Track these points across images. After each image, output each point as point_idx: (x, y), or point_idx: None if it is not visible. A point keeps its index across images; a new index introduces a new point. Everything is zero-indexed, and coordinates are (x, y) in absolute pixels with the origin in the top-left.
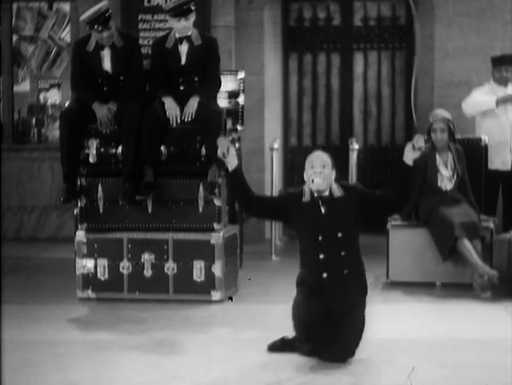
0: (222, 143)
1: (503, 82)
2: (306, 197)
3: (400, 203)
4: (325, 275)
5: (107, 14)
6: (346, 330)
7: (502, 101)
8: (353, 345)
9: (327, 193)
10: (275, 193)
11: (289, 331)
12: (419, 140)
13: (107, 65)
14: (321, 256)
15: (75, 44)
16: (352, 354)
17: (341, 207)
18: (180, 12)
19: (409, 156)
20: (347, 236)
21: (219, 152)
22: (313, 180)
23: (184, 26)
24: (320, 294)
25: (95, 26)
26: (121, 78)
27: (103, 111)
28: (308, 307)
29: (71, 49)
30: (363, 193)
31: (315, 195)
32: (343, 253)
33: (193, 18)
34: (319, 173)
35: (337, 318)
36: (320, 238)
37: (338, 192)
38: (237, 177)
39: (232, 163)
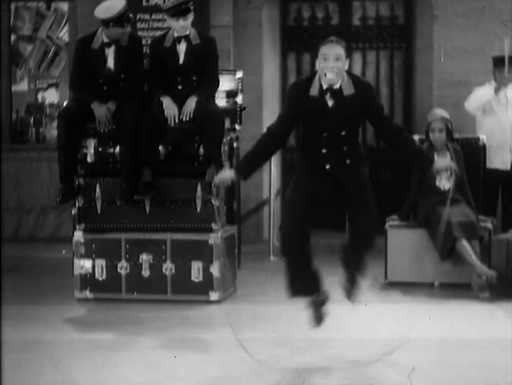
0: (216, 184)
1: (505, 82)
2: (314, 90)
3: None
4: (328, 166)
5: (126, 15)
6: (360, 208)
7: (497, 89)
8: (374, 220)
9: (337, 86)
10: (273, 194)
11: (287, 331)
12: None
13: (110, 63)
14: (323, 150)
15: (79, 41)
16: (373, 228)
17: (348, 105)
18: (178, 11)
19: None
20: (350, 133)
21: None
22: (326, 74)
23: (183, 26)
24: (325, 182)
25: (119, 23)
26: (122, 77)
27: (101, 111)
28: (304, 197)
29: (73, 47)
30: (373, 105)
31: (324, 87)
32: (345, 148)
33: (191, 17)
34: (332, 68)
35: (350, 201)
36: (325, 135)
37: (349, 89)
38: (244, 171)
39: (229, 180)
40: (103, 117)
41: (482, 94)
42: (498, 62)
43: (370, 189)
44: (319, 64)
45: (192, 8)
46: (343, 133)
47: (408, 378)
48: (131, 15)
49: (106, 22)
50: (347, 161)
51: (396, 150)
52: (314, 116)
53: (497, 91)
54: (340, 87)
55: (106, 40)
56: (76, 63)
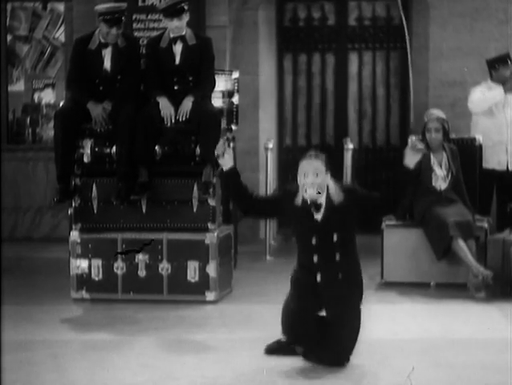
0: (219, 145)
1: (504, 80)
2: (299, 202)
3: (395, 207)
4: (319, 278)
5: (123, 14)
6: (341, 334)
7: (508, 89)
8: (349, 349)
9: (321, 200)
10: (270, 192)
11: None
12: (416, 143)
13: (107, 64)
14: (315, 258)
15: (77, 41)
16: (348, 359)
17: (339, 212)
18: (173, 12)
19: (411, 159)
20: (342, 239)
21: (215, 153)
22: (306, 191)
23: (177, 26)
24: (313, 297)
25: (109, 19)
26: (118, 77)
27: (97, 111)
28: (300, 309)
29: (69, 47)
30: (362, 198)
31: (308, 202)
32: (337, 257)
33: (186, 17)
34: (312, 184)
35: (331, 322)
36: (314, 241)
37: (338, 197)
38: (232, 177)
39: (227, 164)
40: (99, 117)
41: (492, 96)
42: (496, 62)
43: (358, 322)
44: (300, 180)
45: (187, 8)
46: (334, 238)
47: (407, 378)
48: (123, 18)
49: (104, 17)
50: (340, 275)
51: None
52: (301, 224)
53: (506, 92)
54: (329, 198)
55: (103, 41)
56: (73, 63)
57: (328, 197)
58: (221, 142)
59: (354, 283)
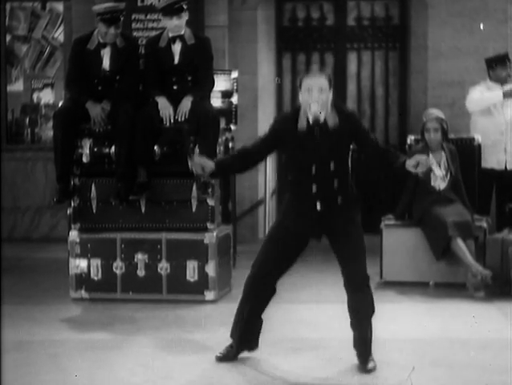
0: (193, 164)
1: (502, 80)
2: (302, 124)
3: (391, 162)
4: (319, 206)
5: (121, 13)
6: (351, 256)
7: (508, 94)
8: (364, 268)
9: (322, 119)
10: (268, 194)
11: (282, 331)
12: (423, 161)
13: (106, 64)
14: (314, 188)
15: (76, 41)
16: (367, 277)
17: (334, 136)
18: (172, 10)
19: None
20: (340, 167)
21: (196, 172)
22: (310, 107)
23: (177, 25)
24: (314, 224)
25: (107, 18)
26: (117, 78)
27: (96, 111)
28: (285, 244)
29: (68, 47)
30: (359, 131)
31: (311, 122)
32: (335, 184)
33: (185, 16)
34: (316, 100)
35: (338, 247)
36: (314, 170)
37: (333, 120)
38: (220, 170)
39: (209, 170)
40: (98, 117)
41: (489, 96)
42: (496, 61)
43: (362, 238)
44: (303, 97)
45: (186, 7)
46: (332, 167)
47: (408, 377)
48: (121, 18)
49: (103, 16)
50: (339, 200)
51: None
52: (302, 151)
53: (505, 97)
54: (325, 119)
55: (101, 41)
56: (72, 63)
57: (325, 120)
58: (192, 161)
59: (353, 203)
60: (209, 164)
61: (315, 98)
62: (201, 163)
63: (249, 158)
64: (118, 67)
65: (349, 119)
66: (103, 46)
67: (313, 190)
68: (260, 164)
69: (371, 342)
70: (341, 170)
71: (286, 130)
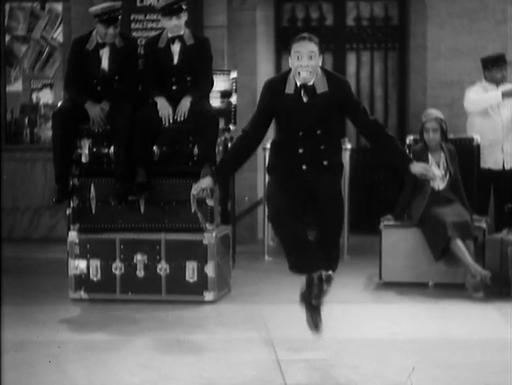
0: (195, 192)
1: (497, 81)
2: (290, 88)
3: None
4: (304, 167)
5: (118, 13)
6: (331, 217)
7: (507, 94)
8: (338, 236)
9: (311, 83)
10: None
11: (282, 332)
12: (429, 171)
13: (104, 64)
14: (300, 150)
15: (75, 42)
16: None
17: (321, 102)
18: (171, 10)
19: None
20: (326, 131)
21: (201, 196)
22: (299, 73)
23: (176, 25)
24: (300, 182)
25: (104, 19)
26: (116, 78)
27: (95, 111)
28: (287, 191)
29: (67, 47)
30: (347, 98)
31: (298, 85)
32: (322, 147)
33: (184, 17)
34: (306, 66)
35: (320, 205)
36: (300, 133)
37: (322, 86)
38: (224, 175)
39: (209, 187)
40: (97, 117)
41: (488, 97)
42: (492, 62)
43: (343, 203)
44: (293, 62)
45: (185, 7)
46: (318, 132)
47: (408, 378)
48: (119, 17)
49: (100, 17)
50: (324, 162)
51: (376, 146)
52: (289, 114)
53: (504, 97)
54: (313, 84)
55: (100, 41)
56: (71, 64)
57: (314, 85)
58: (194, 190)
59: (337, 167)
60: (207, 184)
61: (305, 64)
62: (199, 190)
63: (251, 140)
64: (117, 67)
65: (339, 85)
66: (102, 46)
67: (299, 151)
68: (263, 139)
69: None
70: (328, 134)
71: (274, 92)
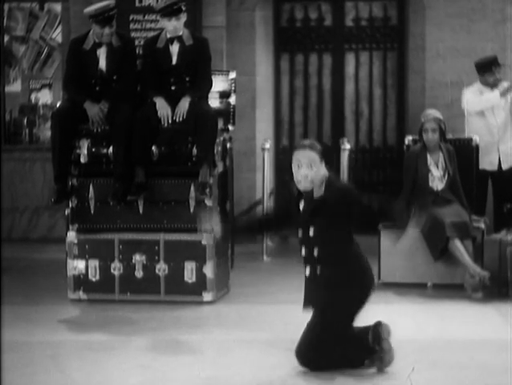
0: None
1: (491, 85)
2: (295, 192)
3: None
4: (307, 272)
5: (113, 12)
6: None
7: (504, 93)
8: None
9: (309, 189)
10: (266, 194)
11: (281, 332)
12: None
13: (102, 64)
14: (302, 251)
15: (72, 42)
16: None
17: (318, 207)
18: (170, 11)
19: None
20: (319, 235)
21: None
22: (299, 182)
23: (175, 27)
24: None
25: (100, 19)
26: (114, 78)
27: (94, 110)
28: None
29: (66, 47)
30: (351, 203)
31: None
32: (315, 252)
33: (183, 18)
34: (306, 176)
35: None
36: (300, 233)
37: (318, 193)
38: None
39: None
40: (96, 117)
41: (487, 99)
42: (485, 66)
43: (338, 321)
44: (294, 170)
45: (184, 8)
46: (311, 234)
47: (407, 378)
48: (115, 15)
49: (95, 18)
50: (318, 270)
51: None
52: (296, 216)
53: (501, 96)
54: (312, 190)
55: (97, 41)
56: (69, 64)
57: (312, 191)
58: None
59: (339, 275)
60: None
61: (304, 173)
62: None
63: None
64: (115, 67)
65: (341, 194)
66: (99, 46)
67: (302, 253)
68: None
69: None
70: (323, 239)
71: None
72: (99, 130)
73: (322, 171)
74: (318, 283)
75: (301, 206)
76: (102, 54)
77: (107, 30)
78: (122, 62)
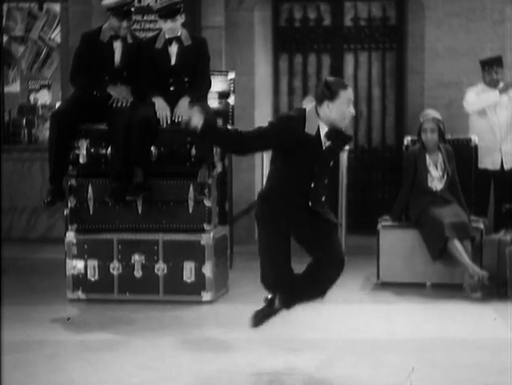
0: (181, 110)
1: (493, 84)
2: (311, 128)
3: None
4: (310, 203)
5: (131, 6)
6: (331, 239)
7: (503, 90)
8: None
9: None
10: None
11: (280, 332)
12: None
13: (117, 57)
14: (312, 184)
15: (86, 34)
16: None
17: (340, 143)
18: (166, 13)
19: None
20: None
21: (183, 122)
22: (345, 120)
23: (171, 27)
24: (301, 222)
25: (119, 12)
26: (124, 74)
27: (118, 90)
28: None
29: (65, 47)
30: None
31: (327, 129)
32: (326, 181)
33: (181, 19)
34: (353, 114)
35: (322, 236)
36: (317, 168)
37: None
38: (210, 131)
39: (198, 122)
40: (123, 93)
41: (487, 97)
42: (486, 64)
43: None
44: (340, 107)
45: (181, 9)
46: (331, 164)
47: (407, 378)
48: (132, 10)
49: (115, 11)
50: (323, 198)
51: None
52: (310, 153)
53: (501, 93)
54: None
55: (113, 34)
56: (80, 55)
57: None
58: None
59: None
60: (198, 114)
61: (353, 112)
62: (190, 111)
63: (239, 149)
64: (126, 62)
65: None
66: (116, 38)
67: (311, 186)
68: (247, 155)
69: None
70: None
71: (291, 129)
72: (124, 104)
73: None
74: (322, 208)
75: (322, 144)
76: (118, 47)
77: (124, 24)
78: (133, 59)
